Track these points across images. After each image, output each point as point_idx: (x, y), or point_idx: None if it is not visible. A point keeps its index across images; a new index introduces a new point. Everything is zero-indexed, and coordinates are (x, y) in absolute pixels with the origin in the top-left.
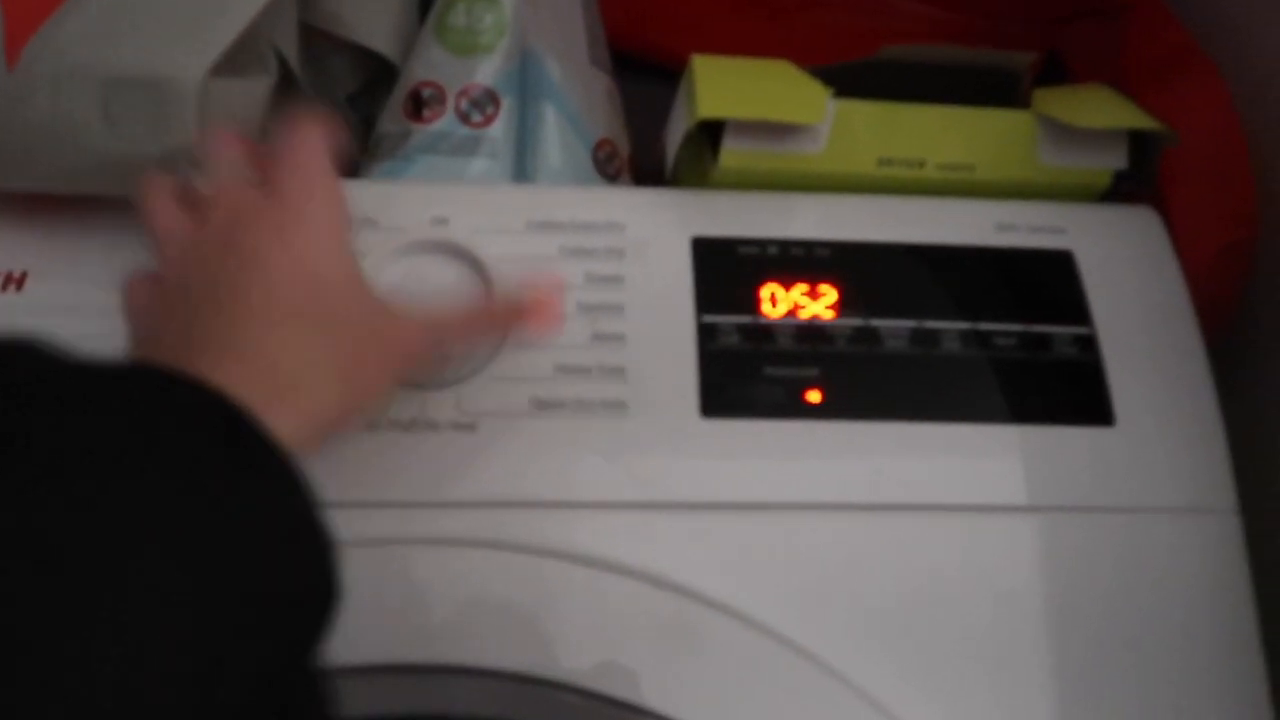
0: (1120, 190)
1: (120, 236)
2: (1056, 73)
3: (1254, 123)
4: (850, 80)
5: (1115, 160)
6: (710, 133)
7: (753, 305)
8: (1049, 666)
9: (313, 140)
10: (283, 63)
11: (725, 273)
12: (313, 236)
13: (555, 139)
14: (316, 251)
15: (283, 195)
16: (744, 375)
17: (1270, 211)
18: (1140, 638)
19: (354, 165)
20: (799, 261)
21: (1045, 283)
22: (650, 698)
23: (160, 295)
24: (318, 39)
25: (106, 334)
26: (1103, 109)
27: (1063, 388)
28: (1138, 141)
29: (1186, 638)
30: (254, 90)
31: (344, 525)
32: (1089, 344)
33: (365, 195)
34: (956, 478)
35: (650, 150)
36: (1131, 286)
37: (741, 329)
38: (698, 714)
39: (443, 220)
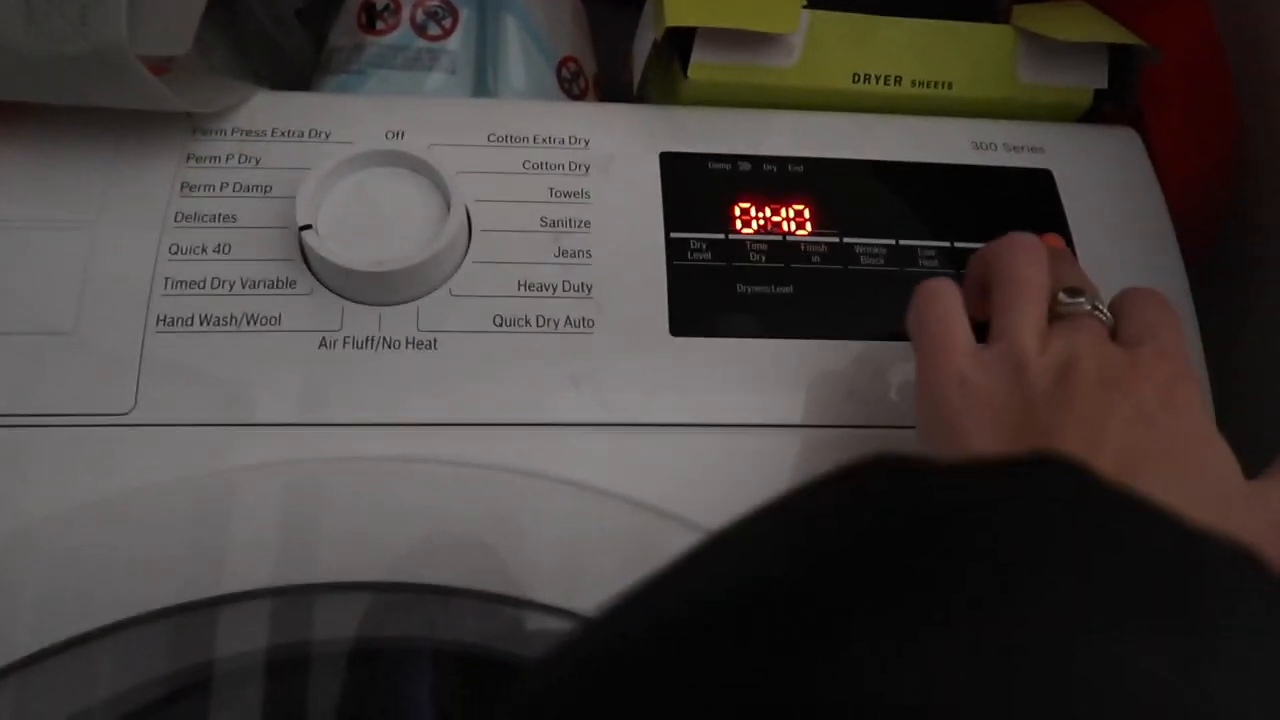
0: (1100, 111)
1: (43, 143)
2: None
3: (1235, 43)
4: None
5: (1095, 78)
6: (679, 46)
7: (724, 222)
8: None
9: (1160, 297)
10: None
11: (695, 189)
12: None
13: (518, 55)
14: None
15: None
16: (715, 293)
17: (1253, 132)
18: None
19: (306, 83)
20: (772, 178)
21: (1024, 202)
22: None
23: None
24: None
25: (36, 257)
26: (1083, 24)
27: None
28: (1118, 60)
29: None
30: None
31: (303, 445)
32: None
33: (316, 108)
34: None
35: (619, 72)
36: (1111, 207)
37: (712, 245)
38: None
39: (398, 133)
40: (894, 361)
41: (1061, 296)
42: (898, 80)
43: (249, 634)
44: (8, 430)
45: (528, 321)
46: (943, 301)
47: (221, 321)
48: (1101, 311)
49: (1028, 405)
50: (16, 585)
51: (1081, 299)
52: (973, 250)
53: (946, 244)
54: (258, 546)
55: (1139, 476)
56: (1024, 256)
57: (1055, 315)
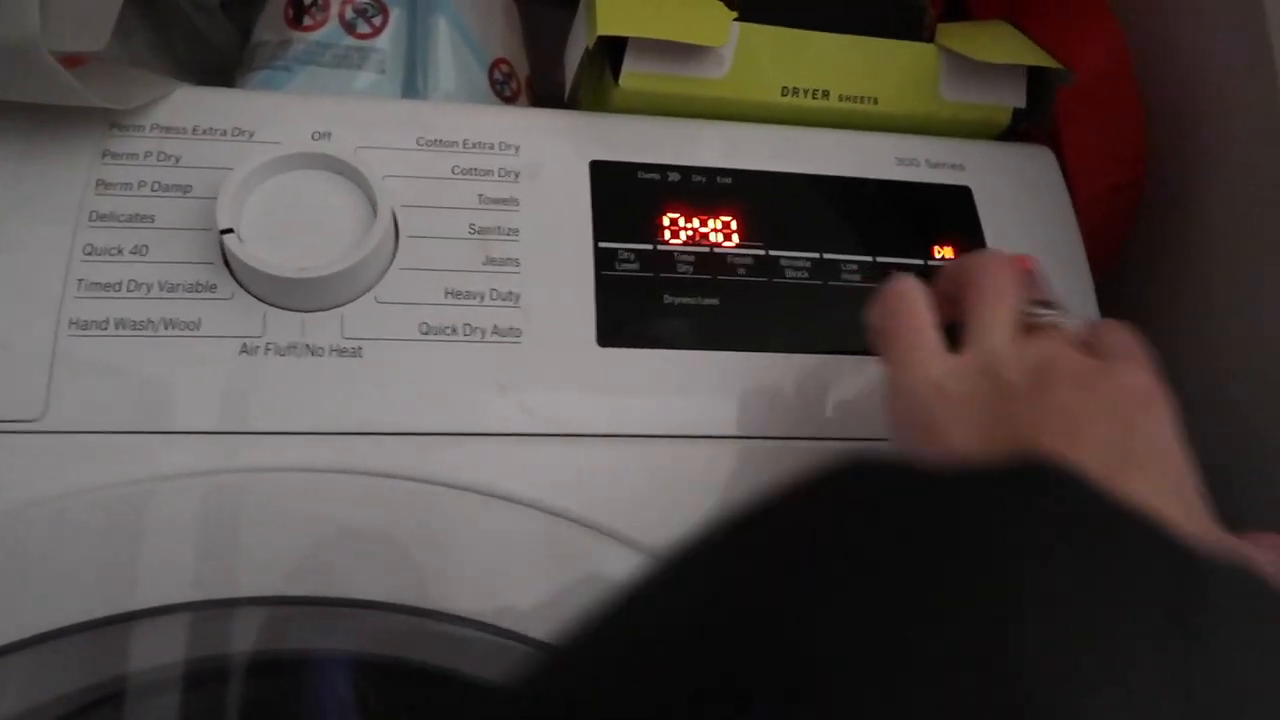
0: (1018, 129)
1: None
2: (957, 12)
3: (1146, 65)
4: (754, 6)
5: (1014, 98)
6: (611, 54)
7: (653, 232)
8: None
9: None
10: None
11: (624, 198)
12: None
13: (449, 55)
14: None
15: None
16: (642, 303)
17: (1155, 153)
18: None
19: (231, 77)
20: (700, 189)
21: (944, 217)
22: (542, 629)
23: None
24: None
25: None
26: (1004, 45)
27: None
28: (1036, 80)
29: None
30: None
31: (222, 454)
32: None
33: (239, 105)
34: (852, 411)
35: (552, 73)
36: (1027, 223)
37: (641, 256)
38: None
39: (325, 134)
40: (818, 373)
41: (1033, 308)
42: (825, 94)
43: (162, 649)
44: None
45: (454, 330)
46: (910, 301)
47: (138, 325)
48: (1072, 324)
49: (1006, 405)
50: None
51: (1053, 311)
52: (895, 265)
53: (869, 258)
54: (171, 560)
55: (1120, 475)
56: (995, 267)
57: (1027, 326)
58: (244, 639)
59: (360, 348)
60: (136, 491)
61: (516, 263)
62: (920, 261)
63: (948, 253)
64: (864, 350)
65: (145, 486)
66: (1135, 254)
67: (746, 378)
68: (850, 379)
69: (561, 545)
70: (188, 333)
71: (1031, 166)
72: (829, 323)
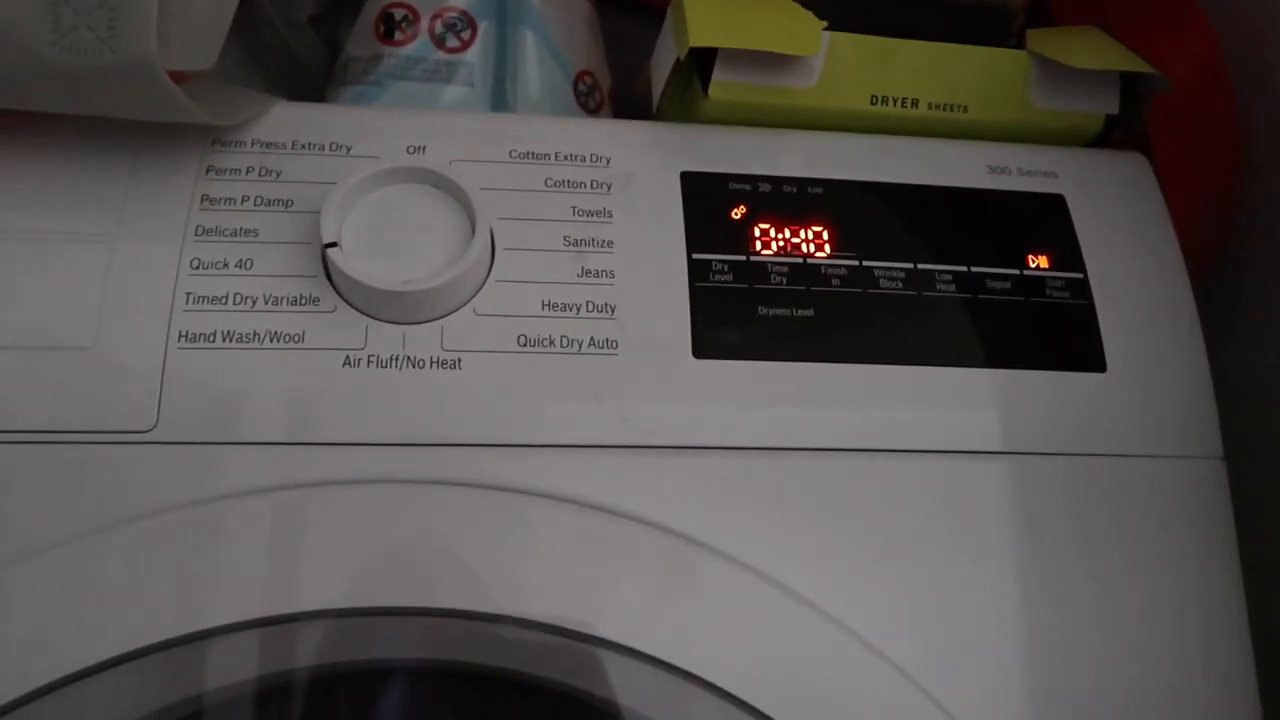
0: (1111, 135)
1: (62, 154)
2: (1040, 17)
3: (1241, 70)
4: (842, 15)
5: (1107, 104)
6: (699, 65)
7: (745, 243)
8: (1032, 613)
9: None
10: None
11: (716, 209)
12: None
13: (535, 68)
14: None
15: None
16: (737, 315)
17: (1255, 161)
18: (1123, 581)
19: (319, 91)
20: (791, 199)
21: (1038, 226)
22: (642, 641)
23: None
24: None
25: (55, 271)
26: (1097, 51)
27: (1056, 333)
28: (1129, 86)
29: (1172, 582)
30: (219, 4)
31: (324, 466)
32: (1082, 288)
33: (336, 121)
34: (949, 423)
35: (631, 86)
36: (1122, 232)
37: (734, 267)
38: (688, 655)
39: (420, 148)
40: (913, 385)
41: None
42: (915, 103)
43: (270, 659)
44: (25, 447)
45: (552, 342)
46: None
47: (244, 338)
48: None
49: None
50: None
51: None
52: (990, 275)
53: (964, 268)
54: (260, 573)
55: None
56: None
57: None
58: (342, 649)
59: (459, 360)
60: (245, 502)
61: (611, 274)
62: (1016, 271)
63: (1042, 262)
64: (961, 363)
65: (254, 498)
66: (1234, 262)
67: (843, 389)
68: (948, 390)
69: (657, 556)
70: (292, 345)
71: (1126, 173)
72: (925, 333)
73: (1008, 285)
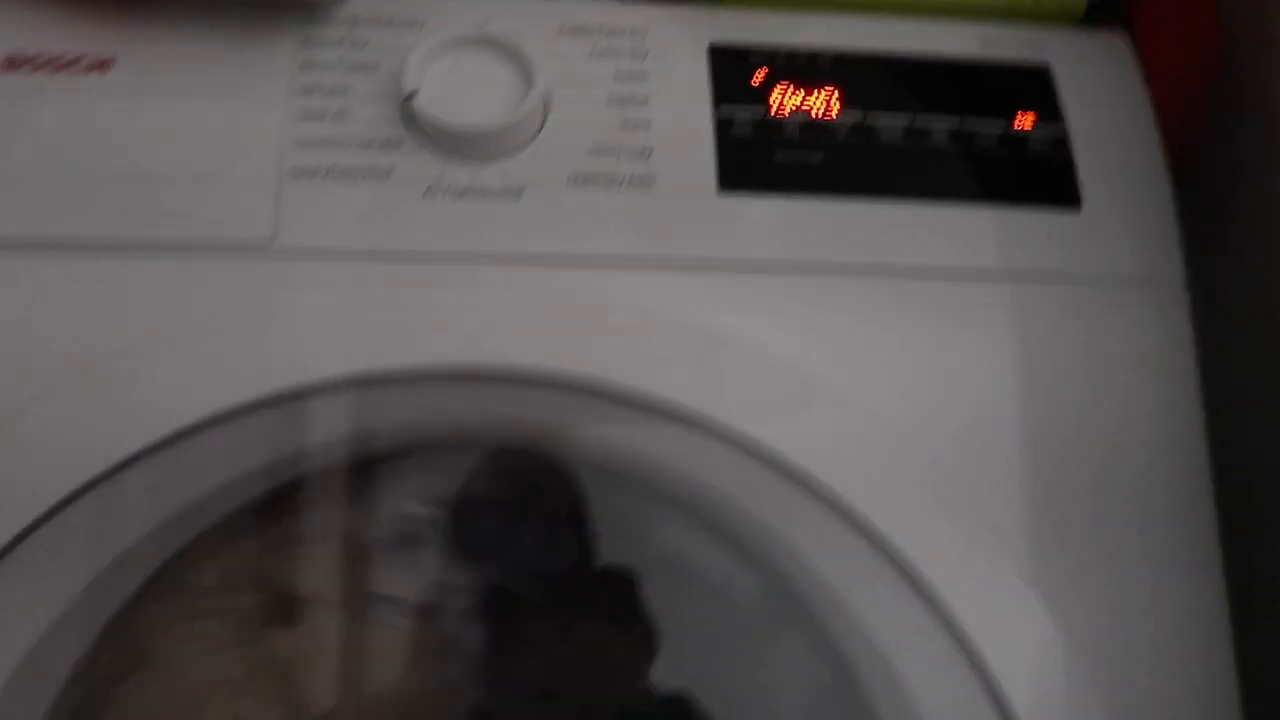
0: (1094, 16)
1: (204, 24)
2: None
3: None
4: None
5: None
6: None
7: (763, 102)
8: (1009, 452)
9: None
10: None
11: (739, 75)
12: None
13: None
14: None
15: None
16: (756, 159)
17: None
18: (1090, 407)
19: None
20: (805, 68)
21: (1024, 92)
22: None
23: None
24: None
25: (187, 118)
26: None
27: (1037, 177)
28: None
29: (1129, 408)
30: None
31: (411, 274)
32: (1062, 142)
33: (412, 1)
34: (938, 247)
35: None
36: (1102, 99)
37: (754, 122)
38: (719, 411)
39: (484, 22)
40: (908, 216)
41: None
42: None
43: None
44: (162, 261)
45: (596, 179)
46: None
47: (344, 174)
48: None
49: None
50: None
51: None
52: (979, 132)
53: (956, 122)
54: (351, 339)
55: None
56: None
57: None
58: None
59: (521, 192)
60: (343, 293)
61: (648, 124)
62: (1002, 128)
63: (1027, 122)
64: (953, 198)
65: (351, 290)
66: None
67: (846, 219)
68: (940, 222)
69: (694, 343)
70: (383, 180)
71: (1108, 49)
72: (921, 176)
73: (995, 139)
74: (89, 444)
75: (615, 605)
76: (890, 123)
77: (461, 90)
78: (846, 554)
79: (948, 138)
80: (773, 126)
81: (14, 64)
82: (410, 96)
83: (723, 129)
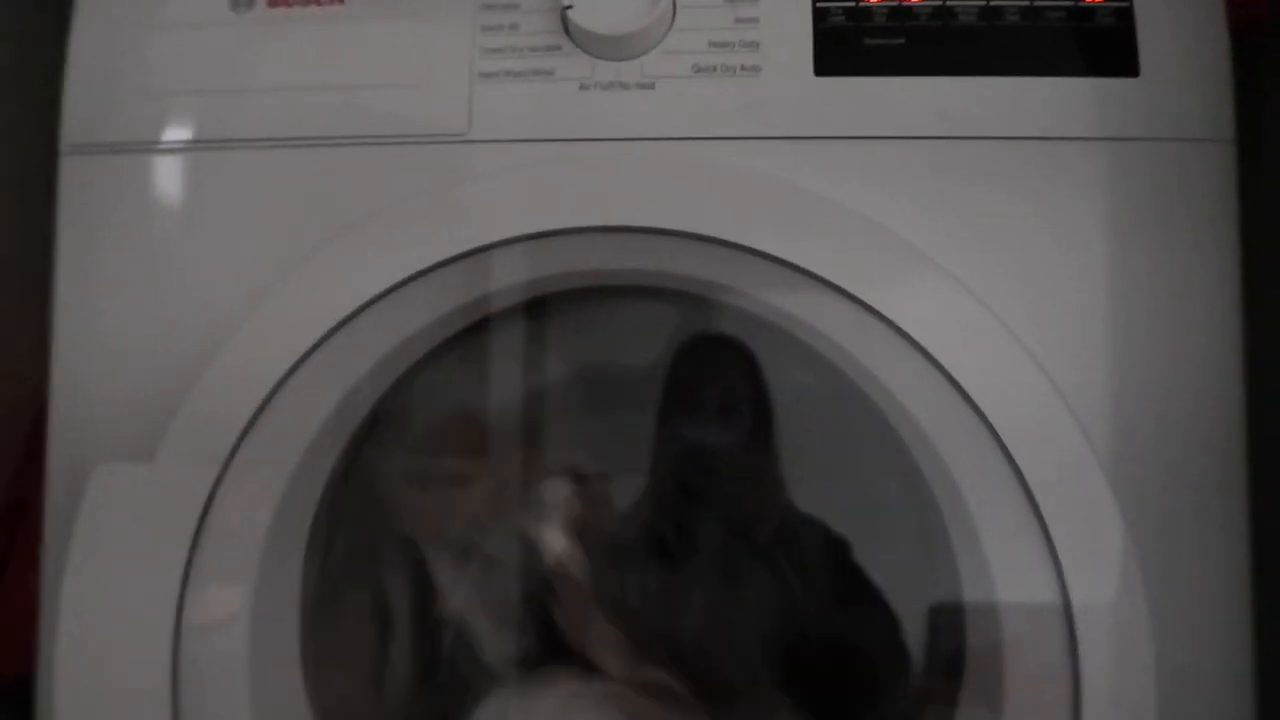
0: None
1: None
2: None
3: None
4: None
5: None
6: None
7: None
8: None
9: None
10: None
11: None
12: None
13: None
14: None
15: None
16: (848, 45)
17: None
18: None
19: None
20: None
21: None
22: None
23: None
24: None
25: (400, 37)
26: None
27: (1101, 48)
28: None
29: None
30: None
31: (572, 152)
32: (1126, 14)
33: None
34: (1012, 116)
35: None
36: None
37: (846, 11)
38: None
39: None
40: (983, 90)
41: None
42: None
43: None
44: (379, 148)
45: (715, 68)
46: None
47: (518, 75)
48: None
49: None
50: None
51: None
52: (1049, 6)
53: (1027, 3)
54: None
55: None
56: None
57: None
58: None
59: (654, 83)
60: (518, 170)
61: (756, 20)
62: (1071, 2)
63: None
64: (1023, 72)
65: (526, 169)
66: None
67: (928, 93)
68: (1010, 93)
69: (788, 199)
70: (547, 78)
71: None
72: (994, 53)
73: (1063, 14)
74: (332, 297)
75: None
76: (966, 6)
77: (607, 1)
78: (905, 366)
79: (1019, 15)
80: (862, 14)
81: (275, 3)
82: (567, 8)
83: (819, 18)
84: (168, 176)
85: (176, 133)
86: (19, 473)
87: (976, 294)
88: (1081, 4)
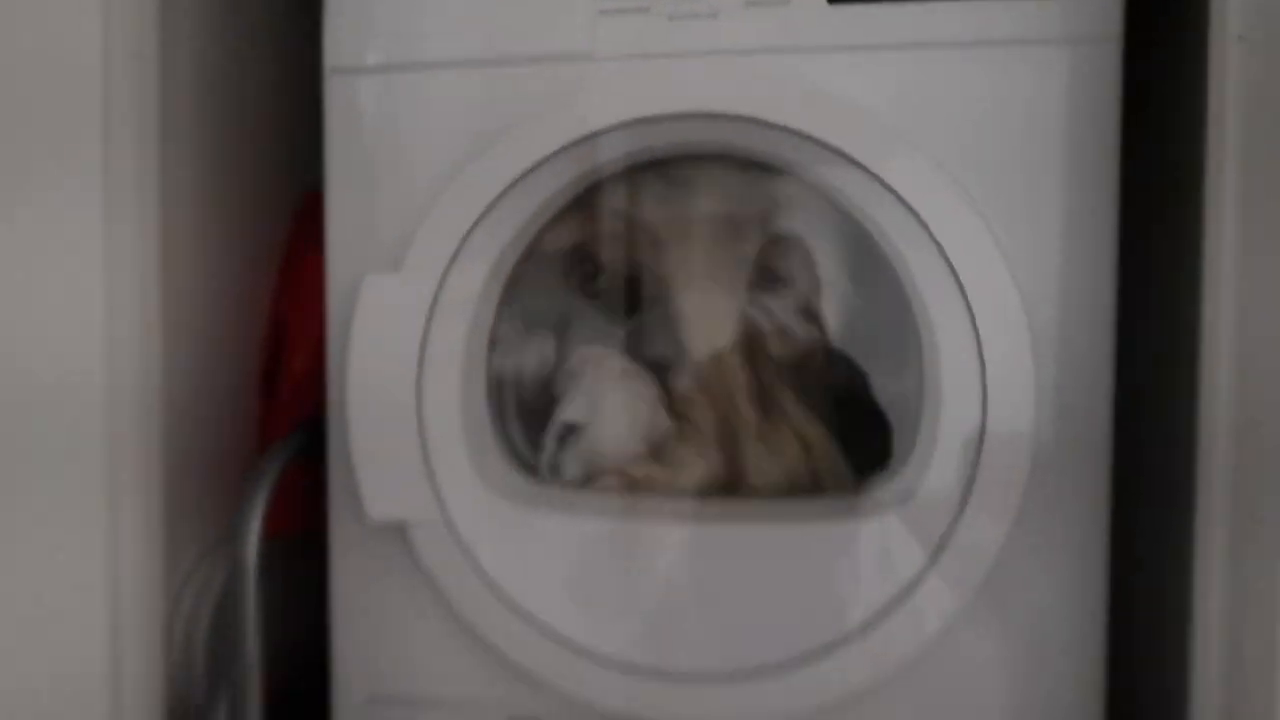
0: None
1: None
2: None
3: None
4: None
5: None
6: None
7: None
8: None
9: None
10: None
11: None
12: None
13: None
14: None
15: None
16: None
17: None
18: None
19: None
20: None
21: None
22: (794, 121)
23: None
24: None
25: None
26: None
27: None
28: None
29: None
30: None
31: (655, 69)
32: None
33: None
34: (955, 27)
35: None
36: None
37: None
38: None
39: None
40: (971, 13)
41: None
42: None
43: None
44: (521, 67)
45: (759, 1)
46: None
47: (625, 12)
48: None
49: None
50: None
51: None
52: None
53: None
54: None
55: None
56: None
57: None
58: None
59: (717, 13)
60: (633, 78)
61: None
62: None
63: None
64: None
65: (635, 76)
66: None
67: (897, 15)
68: (953, 15)
69: (808, 101)
70: (644, 13)
71: None
72: None
73: None
74: (491, 173)
75: None
76: None
77: None
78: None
79: None
80: None
81: None
82: None
83: None
84: (403, 94)
85: (412, 56)
86: (276, 297)
87: (947, 168)
88: None
